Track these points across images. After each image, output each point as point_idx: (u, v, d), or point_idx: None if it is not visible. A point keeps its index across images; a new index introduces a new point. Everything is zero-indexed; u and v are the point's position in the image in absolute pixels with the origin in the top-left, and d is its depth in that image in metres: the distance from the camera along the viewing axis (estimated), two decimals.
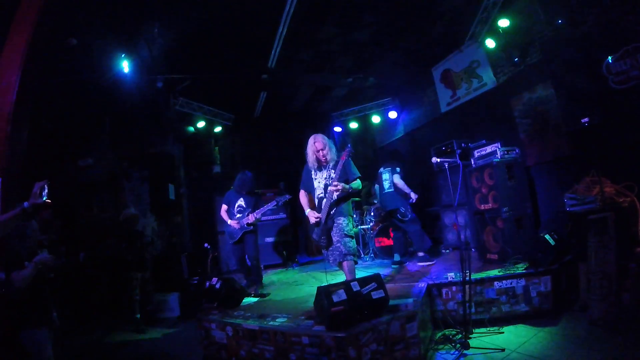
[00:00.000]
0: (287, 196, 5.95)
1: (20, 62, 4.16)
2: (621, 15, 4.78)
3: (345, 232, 4.31)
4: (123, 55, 6.37)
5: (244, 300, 4.98)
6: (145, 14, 5.78)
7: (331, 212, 4.39)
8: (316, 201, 4.56)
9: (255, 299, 5.25)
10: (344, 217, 4.37)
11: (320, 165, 4.54)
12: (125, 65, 6.42)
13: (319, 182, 4.52)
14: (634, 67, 4.67)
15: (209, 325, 4.40)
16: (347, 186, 4.28)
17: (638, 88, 4.65)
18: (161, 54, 6.77)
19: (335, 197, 4.30)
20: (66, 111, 6.19)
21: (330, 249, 4.38)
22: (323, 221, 4.37)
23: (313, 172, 4.61)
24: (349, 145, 4.41)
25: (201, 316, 4.58)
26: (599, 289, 3.90)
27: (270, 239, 8.47)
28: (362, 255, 7.62)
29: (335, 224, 4.35)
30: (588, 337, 3.65)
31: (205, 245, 6.98)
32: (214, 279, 4.98)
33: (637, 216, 4.06)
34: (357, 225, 7.62)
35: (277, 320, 3.93)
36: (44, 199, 2.71)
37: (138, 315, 5.78)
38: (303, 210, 4.67)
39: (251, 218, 5.68)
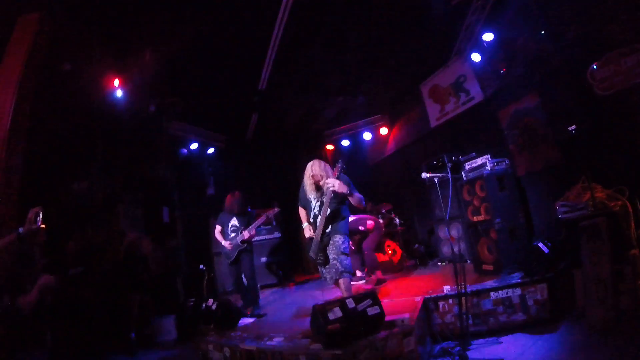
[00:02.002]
0: (276, 209, 5.96)
1: (15, 87, 4.21)
2: (602, 23, 4.90)
3: (341, 250, 4.35)
4: (116, 79, 6.43)
5: (240, 321, 4.94)
6: (137, 38, 5.86)
7: (327, 230, 4.42)
8: (311, 219, 4.62)
9: (252, 319, 5.21)
10: (341, 235, 4.42)
11: (317, 190, 4.60)
12: (117, 89, 6.48)
13: (316, 202, 4.58)
14: (617, 73, 4.76)
15: (207, 347, 4.37)
16: (345, 187, 4.33)
17: (622, 94, 4.74)
18: (153, 78, 6.84)
19: (329, 208, 4.33)
20: (60, 135, 6.21)
21: (327, 266, 4.41)
22: (319, 238, 4.40)
23: (310, 194, 4.67)
24: (339, 160, 4.46)
25: (198, 338, 4.54)
26: (595, 293, 3.90)
27: (265, 259, 8.43)
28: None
29: (331, 242, 4.39)
30: (587, 342, 3.63)
31: (201, 267, 6.94)
32: (210, 301, 4.96)
33: (629, 219, 4.10)
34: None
35: (274, 340, 3.90)
36: (38, 224, 2.73)
37: (133, 335, 5.70)
38: (299, 229, 4.72)
39: (245, 235, 5.68)
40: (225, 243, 5.77)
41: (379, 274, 6.15)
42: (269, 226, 8.23)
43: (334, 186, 4.28)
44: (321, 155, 10.24)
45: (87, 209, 6.64)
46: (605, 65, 4.85)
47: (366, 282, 6.29)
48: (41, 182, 5.58)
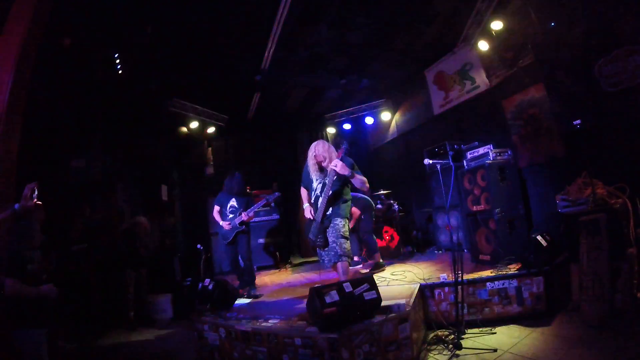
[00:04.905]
0: (277, 194, 5.94)
1: (13, 62, 4.12)
2: (613, 19, 4.83)
3: (341, 234, 4.35)
4: (116, 56, 6.34)
5: (236, 302, 4.96)
6: (138, 14, 5.75)
7: (327, 213, 4.41)
8: (312, 200, 4.61)
9: (248, 300, 5.24)
10: (341, 218, 4.41)
11: (320, 171, 4.57)
12: (117, 66, 6.39)
13: (319, 184, 4.56)
14: (625, 69, 4.71)
15: (202, 326, 4.40)
16: (348, 169, 4.30)
17: (629, 90, 4.69)
18: (154, 55, 6.74)
19: (332, 189, 4.31)
20: (58, 112, 6.15)
21: (326, 249, 4.41)
22: (319, 220, 4.40)
23: (313, 174, 4.64)
24: (344, 142, 4.43)
25: (194, 318, 4.57)
26: (591, 289, 3.92)
27: (263, 240, 8.43)
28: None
29: (332, 224, 4.39)
30: (581, 337, 3.66)
31: (198, 246, 6.95)
32: (207, 281, 4.97)
33: (628, 217, 4.09)
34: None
35: (270, 321, 3.93)
36: (35, 200, 2.70)
37: (132, 314, 5.80)
38: (297, 212, 4.71)
39: (244, 217, 5.68)
40: (224, 223, 5.76)
41: (377, 257, 6.17)
42: (267, 208, 8.21)
43: (336, 166, 4.26)
44: (323, 138, 10.19)
45: (86, 186, 6.62)
46: (613, 62, 4.79)
47: (364, 266, 6.32)
48: (39, 159, 5.55)
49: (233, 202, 5.92)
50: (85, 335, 5.35)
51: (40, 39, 4.48)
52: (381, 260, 6.17)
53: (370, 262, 6.21)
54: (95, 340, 5.40)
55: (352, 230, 6.34)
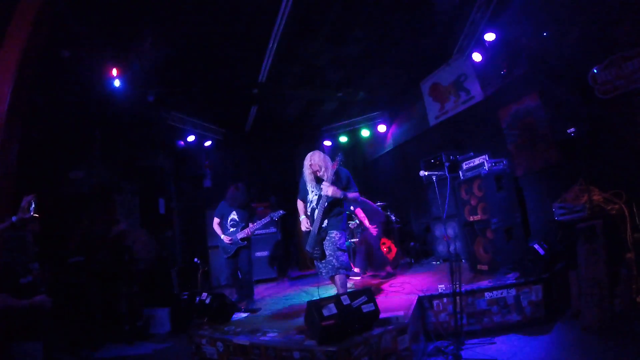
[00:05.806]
0: (281, 212, 5.83)
1: (13, 73, 4.15)
2: (606, 26, 4.89)
3: (338, 246, 4.30)
4: (115, 68, 6.38)
5: (234, 315, 4.93)
6: (137, 27, 5.81)
7: (323, 225, 4.38)
8: (309, 212, 4.58)
9: (246, 314, 5.20)
10: (338, 230, 4.36)
11: (316, 181, 4.56)
12: (116, 78, 6.42)
13: (315, 195, 4.54)
14: (619, 76, 4.76)
15: (200, 340, 4.35)
16: (340, 191, 4.29)
17: (623, 97, 4.74)
18: (153, 68, 6.79)
19: (327, 202, 4.30)
20: (57, 123, 6.17)
21: (323, 261, 4.37)
22: (315, 232, 4.36)
23: (309, 185, 4.62)
24: (339, 154, 4.43)
25: (192, 331, 4.53)
26: (590, 295, 3.91)
27: (261, 253, 8.39)
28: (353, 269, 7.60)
29: (328, 237, 4.34)
30: (581, 344, 3.65)
31: (196, 260, 6.93)
32: (204, 294, 4.94)
33: (625, 223, 4.11)
34: (347, 239, 7.61)
35: (268, 335, 3.89)
36: (32, 213, 2.71)
37: (127, 327, 5.73)
38: (295, 224, 4.68)
39: (247, 232, 5.65)
40: (225, 238, 5.70)
41: (388, 269, 6.35)
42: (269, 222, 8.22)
43: (327, 192, 4.24)
44: (320, 150, 10.21)
45: (84, 197, 6.62)
46: (607, 68, 4.84)
47: (373, 277, 6.43)
48: (38, 169, 5.55)
49: (234, 215, 5.87)
50: (82, 349, 5.30)
51: (40, 51, 4.52)
52: (392, 271, 6.38)
53: (382, 273, 6.34)
54: (92, 354, 5.34)
55: (360, 243, 6.41)
